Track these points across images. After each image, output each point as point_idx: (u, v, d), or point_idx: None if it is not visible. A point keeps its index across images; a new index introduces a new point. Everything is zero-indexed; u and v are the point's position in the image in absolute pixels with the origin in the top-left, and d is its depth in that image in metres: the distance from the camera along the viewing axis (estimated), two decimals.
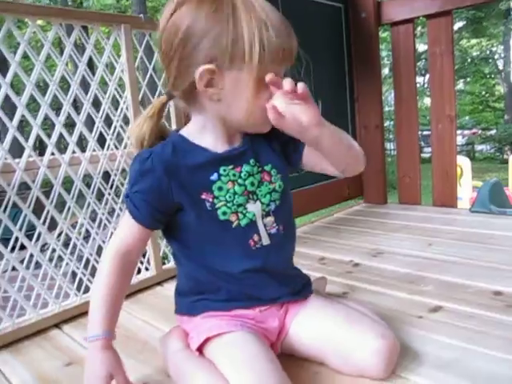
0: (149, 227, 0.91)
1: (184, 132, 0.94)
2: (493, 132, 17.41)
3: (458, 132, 14.34)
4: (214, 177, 0.90)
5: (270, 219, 0.96)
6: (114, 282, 0.88)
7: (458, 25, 12.96)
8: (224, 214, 0.91)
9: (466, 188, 5.14)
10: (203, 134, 0.92)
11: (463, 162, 5.29)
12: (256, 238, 0.95)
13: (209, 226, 0.92)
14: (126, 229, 0.92)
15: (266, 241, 0.95)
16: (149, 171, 0.87)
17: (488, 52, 16.23)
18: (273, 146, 0.97)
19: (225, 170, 0.91)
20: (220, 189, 0.91)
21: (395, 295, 1.39)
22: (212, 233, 0.93)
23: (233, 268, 0.94)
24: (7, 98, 1.27)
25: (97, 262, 1.51)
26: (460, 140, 16.04)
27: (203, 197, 0.90)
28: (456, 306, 1.27)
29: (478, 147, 17.59)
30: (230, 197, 0.91)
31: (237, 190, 0.92)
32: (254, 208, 0.94)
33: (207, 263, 0.95)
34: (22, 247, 1.34)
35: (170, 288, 1.58)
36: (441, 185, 2.53)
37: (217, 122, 0.91)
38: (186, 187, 0.89)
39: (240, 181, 0.92)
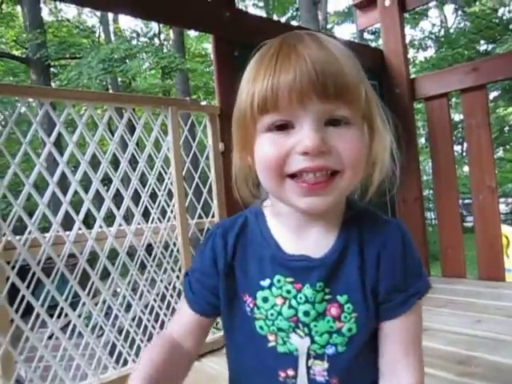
0: (202, 313, 0.76)
1: (267, 207, 0.75)
2: None
3: (502, 200, 13.92)
4: (265, 283, 0.70)
5: (319, 364, 0.70)
6: (154, 364, 0.69)
7: (493, 94, 13.05)
8: (261, 328, 0.71)
9: None
10: (279, 216, 0.73)
11: (509, 232, 5.09)
12: (290, 372, 0.71)
13: (241, 331, 0.74)
14: (177, 315, 0.82)
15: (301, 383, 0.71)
16: (209, 244, 0.76)
17: None
18: (366, 274, 0.69)
19: (279, 281, 0.70)
20: (265, 300, 0.70)
21: (443, 377, 1.31)
22: (243, 340, 0.75)
23: None
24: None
25: (136, 333, 1.52)
26: (504, 208, 15.53)
27: (245, 299, 0.72)
28: None
29: None
30: (272, 315, 0.70)
31: (284, 311, 0.69)
32: (300, 343, 0.70)
33: (238, 369, 0.79)
34: (67, 314, 1.37)
35: (208, 363, 1.56)
36: (486, 258, 2.44)
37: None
38: (232, 278, 0.73)
39: (293, 302, 0.69)
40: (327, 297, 0.69)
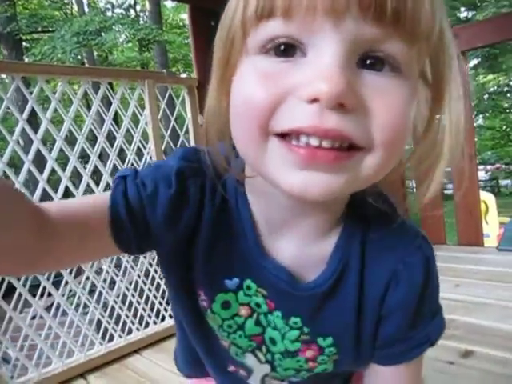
0: (112, 215, 0.45)
1: (250, 180, 0.49)
2: None
3: (481, 167, 14.17)
4: (232, 284, 0.51)
5: (278, 382, 0.58)
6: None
7: (473, 62, 13.12)
8: (214, 328, 0.55)
9: (493, 225, 5.03)
10: (254, 194, 0.50)
11: (488, 198, 5.19)
12: (242, 373, 0.59)
13: (190, 318, 0.57)
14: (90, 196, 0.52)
15: None
16: (182, 199, 0.47)
17: (506, 87, 16.29)
18: (364, 309, 0.50)
19: (249, 288, 0.51)
20: (225, 306, 0.51)
21: None
22: (193, 328, 0.58)
23: (214, 373, 0.63)
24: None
25: (121, 309, 1.52)
26: (483, 175, 15.82)
27: (199, 293, 0.53)
28: (488, 351, 1.23)
29: (503, 182, 17.29)
30: (229, 326, 0.53)
31: (248, 326, 0.52)
32: (256, 367, 0.56)
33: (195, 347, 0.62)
34: (50, 293, 1.37)
35: None
36: (465, 223, 2.49)
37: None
38: (188, 260, 0.51)
39: (262, 319, 0.52)
40: (304, 337, 0.51)
